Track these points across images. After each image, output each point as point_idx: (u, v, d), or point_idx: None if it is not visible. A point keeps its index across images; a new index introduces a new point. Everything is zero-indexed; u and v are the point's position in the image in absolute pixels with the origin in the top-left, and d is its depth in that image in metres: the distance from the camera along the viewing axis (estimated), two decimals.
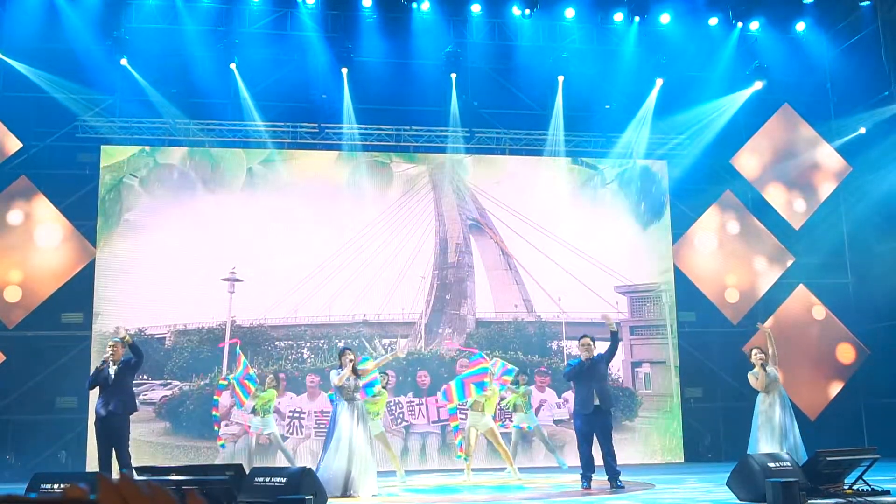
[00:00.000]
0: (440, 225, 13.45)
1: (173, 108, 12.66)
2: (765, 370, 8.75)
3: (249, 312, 12.55)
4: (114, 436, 7.86)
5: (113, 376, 7.95)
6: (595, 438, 8.38)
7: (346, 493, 7.74)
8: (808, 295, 13.77)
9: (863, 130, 13.70)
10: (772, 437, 8.62)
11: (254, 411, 11.16)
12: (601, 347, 8.85)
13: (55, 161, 12.59)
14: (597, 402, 8.26)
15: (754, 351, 8.98)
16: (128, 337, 8.21)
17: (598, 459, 8.48)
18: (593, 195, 13.78)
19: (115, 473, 7.86)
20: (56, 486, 6.37)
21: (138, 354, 8.13)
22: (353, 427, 7.96)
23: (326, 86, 13.09)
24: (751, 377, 8.93)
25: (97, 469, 9.61)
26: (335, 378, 8.13)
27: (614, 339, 8.47)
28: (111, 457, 7.87)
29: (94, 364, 11.73)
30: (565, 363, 12.98)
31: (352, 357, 8.24)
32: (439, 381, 12.11)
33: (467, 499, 8.38)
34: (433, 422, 12.63)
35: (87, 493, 1.00)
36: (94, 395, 11.47)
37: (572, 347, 13.10)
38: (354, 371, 8.12)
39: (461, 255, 13.37)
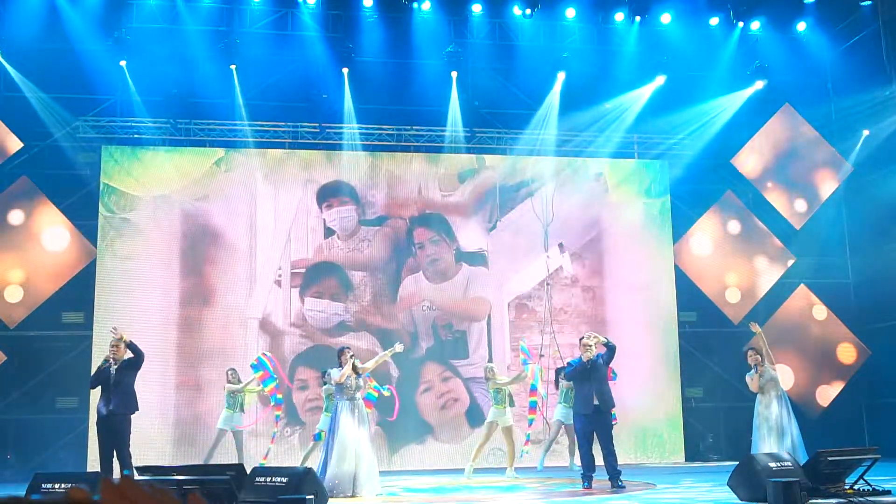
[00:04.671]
0: (440, 224, 13.43)
1: (173, 108, 12.66)
2: (759, 371, 8.78)
3: (250, 312, 12.54)
4: (115, 436, 7.82)
5: (114, 375, 7.94)
6: (596, 438, 8.42)
7: (354, 493, 7.76)
8: (809, 295, 13.77)
9: (867, 132, 13.67)
10: (769, 436, 8.62)
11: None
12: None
13: (56, 161, 12.60)
14: (596, 402, 8.29)
15: (749, 353, 8.99)
16: (125, 336, 8.14)
17: (599, 459, 8.50)
18: (594, 195, 13.75)
19: (117, 474, 7.85)
20: (57, 485, 6.37)
21: (137, 354, 8.07)
22: (355, 427, 7.96)
23: (327, 85, 13.09)
24: (747, 379, 8.98)
25: (98, 469, 9.62)
26: (336, 375, 8.12)
27: (611, 347, 8.58)
28: (112, 457, 7.85)
29: (95, 364, 11.74)
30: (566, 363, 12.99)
31: (352, 354, 8.25)
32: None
33: (467, 499, 8.37)
34: None
35: (90, 494, 1.00)
36: (95, 394, 11.52)
37: None
38: (355, 369, 8.10)
39: (461, 254, 13.35)
